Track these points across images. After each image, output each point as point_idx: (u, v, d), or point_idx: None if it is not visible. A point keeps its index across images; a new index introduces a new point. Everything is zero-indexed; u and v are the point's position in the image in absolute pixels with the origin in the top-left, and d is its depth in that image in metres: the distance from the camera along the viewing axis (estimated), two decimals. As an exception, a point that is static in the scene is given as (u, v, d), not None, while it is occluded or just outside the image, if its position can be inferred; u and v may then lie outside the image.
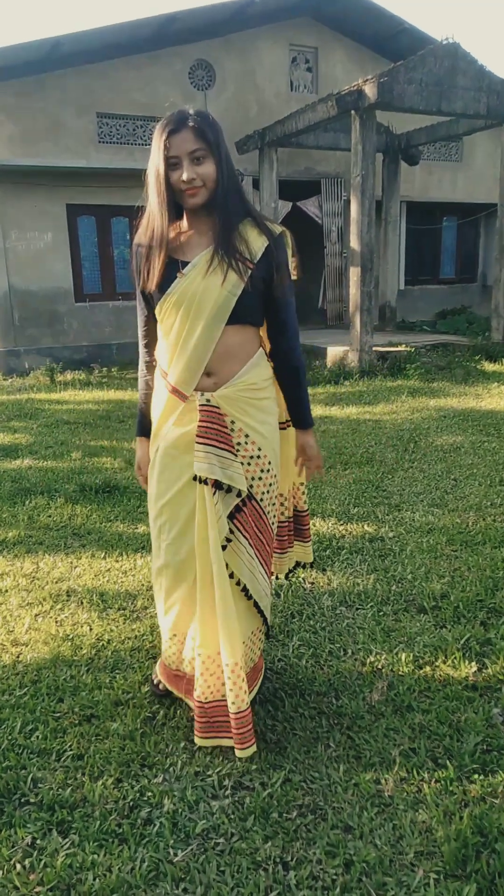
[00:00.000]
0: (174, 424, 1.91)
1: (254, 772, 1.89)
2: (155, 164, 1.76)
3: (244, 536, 1.92)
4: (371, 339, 8.84)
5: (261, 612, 2.02)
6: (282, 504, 2.20)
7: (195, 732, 1.97)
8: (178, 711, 2.15)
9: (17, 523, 3.84)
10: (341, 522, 3.72)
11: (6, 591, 3.02)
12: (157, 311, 1.88)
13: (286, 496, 2.22)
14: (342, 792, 1.81)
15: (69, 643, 2.56)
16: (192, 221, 1.87)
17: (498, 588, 2.89)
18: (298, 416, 2.06)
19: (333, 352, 9.27)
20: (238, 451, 1.87)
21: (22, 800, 1.81)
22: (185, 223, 1.88)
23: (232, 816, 1.73)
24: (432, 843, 1.64)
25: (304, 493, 2.25)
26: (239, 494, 1.87)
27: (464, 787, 1.82)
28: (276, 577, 2.35)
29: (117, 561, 3.31)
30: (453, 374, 8.49)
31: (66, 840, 1.67)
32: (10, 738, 2.03)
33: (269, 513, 2.00)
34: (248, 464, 1.90)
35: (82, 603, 2.88)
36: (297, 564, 2.37)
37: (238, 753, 1.89)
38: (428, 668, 2.35)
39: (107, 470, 4.83)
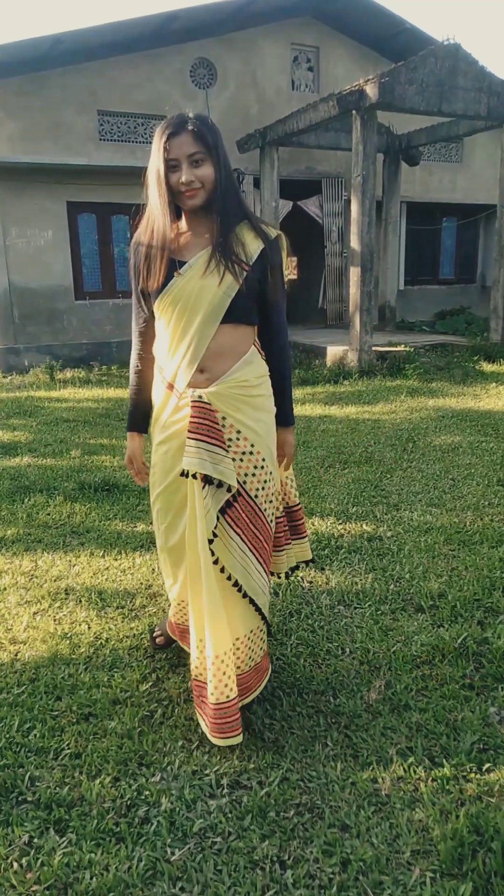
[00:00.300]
0: (168, 418, 1.98)
1: (251, 771, 1.89)
2: (155, 166, 1.80)
3: (236, 532, 1.94)
4: (370, 338, 8.85)
5: (258, 609, 2.03)
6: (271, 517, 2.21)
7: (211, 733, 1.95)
8: (177, 710, 2.15)
9: (15, 521, 3.84)
10: (340, 521, 3.72)
11: (4, 588, 3.02)
12: (154, 308, 1.93)
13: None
14: (339, 791, 1.81)
15: (67, 641, 2.56)
16: (190, 222, 1.91)
17: (495, 587, 2.89)
18: (283, 413, 2.11)
19: (333, 351, 9.27)
20: (230, 446, 1.90)
21: (19, 798, 1.81)
22: (183, 224, 1.92)
23: (229, 815, 1.74)
24: (429, 842, 1.65)
25: (292, 486, 2.28)
26: (229, 489, 1.89)
27: (460, 786, 1.82)
28: (277, 576, 2.36)
29: (116, 559, 3.32)
30: (452, 374, 8.50)
31: (64, 839, 1.67)
32: (7, 736, 2.03)
33: (265, 510, 2.01)
34: (241, 460, 1.93)
35: (81, 601, 2.88)
36: (298, 565, 2.38)
37: (214, 741, 1.92)
38: (425, 667, 2.35)
39: (106, 468, 4.84)
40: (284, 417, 2.12)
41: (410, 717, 2.10)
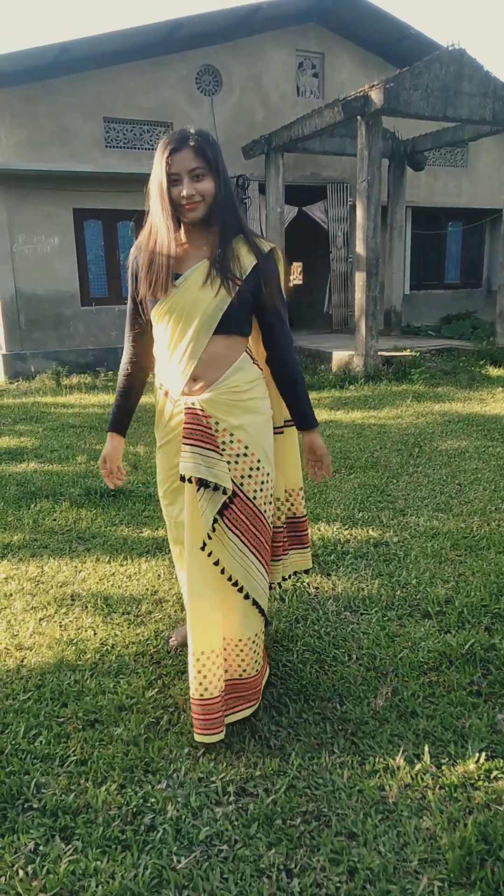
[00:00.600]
0: (167, 423, 2.07)
1: (257, 778, 1.88)
2: (158, 180, 1.87)
3: (235, 533, 1.97)
4: (376, 343, 8.84)
5: (261, 611, 2.05)
6: (277, 509, 2.25)
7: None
8: (182, 717, 2.14)
9: (22, 527, 3.84)
10: (346, 527, 3.71)
11: (11, 594, 3.02)
12: (152, 315, 1.99)
13: (281, 500, 2.29)
14: (346, 798, 1.80)
15: (73, 648, 2.56)
16: (189, 234, 1.97)
17: (503, 593, 2.88)
18: (300, 418, 2.15)
19: (339, 356, 9.27)
20: (224, 450, 1.95)
21: (25, 805, 1.80)
22: (182, 235, 1.98)
23: (235, 823, 1.73)
24: (436, 851, 1.63)
25: (302, 497, 2.33)
26: (225, 492, 1.93)
27: (468, 794, 1.81)
28: (278, 583, 2.40)
29: (122, 565, 3.31)
30: (458, 378, 8.48)
31: (69, 846, 1.67)
32: (13, 742, 2.03)
33: (264, 511, 2.05)
34: (236, 462, 1.97)
35: (87, 607, 2.88)
36: (295, 573, 2.45)
37: (196, 737, 1.96)
38: (432, 674, 2.34)
39: (112, 474, 4.83)
40: (303, 421, 2.15)
41: (417, 723, 2.08)
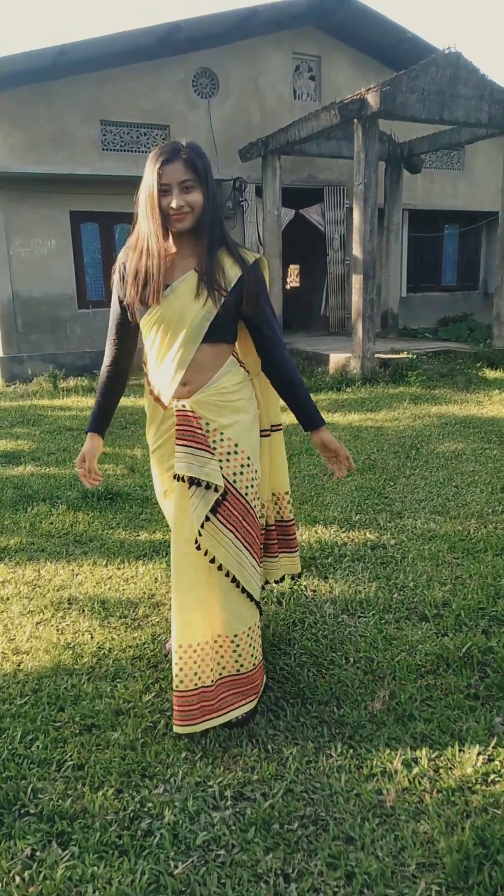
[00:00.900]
0: (159, 428, 2.14)
1: (255, 782, 1.88)
2: (148, 190, 1.91)
3: (229, 529, 2.04)
4: (373, 346, 8.85)
5: (256, 603, 2.12)
6: (259, 513, 2.31)
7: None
8: (179, 721, 2.14)
9: (18, 530, 3.84)
10: (343, 530, 3.71)
11: (8, 598, 3.02)
12: (141, 324, 2.05)
13: (267, 504, 2.38)
14: (344, 802, 1.80)
15: (70, 651, 2.55)
16: (176, 244, 2.01)
17: (500, 596, 2.88)
18: (305, 418, 2.17)
19: (336, 359, 9.27)
20: (215, 448, 2.03)
21: (22, 811, 1.80)
22: (170, 245, 2.01)
23: (233, 828, 1.72)
24: (434, 855, 1.63)
25: (289, 501, 2.41)
26: (217, 490, 2.00)
27: (466, 798, 1.81)
28: (276, 582, 2.50)
29: (119, 568, 3.31)
30: (455, 381, 8.49)
31: (66, 852, 1.66)
32: (10, 747, 2.03)
33: (255, 507, 2.13)
34: (227, 460, 2.04)
35: (84, 611, 2.88)
36: (285, 577, 2.53)
37: (175, 729, 2.02)
38: (430, 677, 2.34)
39: (109, 477, 4.84)
40: (309, 422, 2.16)
41: (415, 727, 2.08)
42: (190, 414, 2.01)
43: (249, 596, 2.09)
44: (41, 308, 10.19)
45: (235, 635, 2.07)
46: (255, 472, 2.12)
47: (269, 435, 2.30)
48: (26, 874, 1.60)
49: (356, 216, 8.51)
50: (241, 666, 2.10)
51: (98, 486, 2.35)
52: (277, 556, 2.45)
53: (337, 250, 12.08)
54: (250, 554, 2.09)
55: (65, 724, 2.13)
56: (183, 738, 2.06)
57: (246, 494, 2.07)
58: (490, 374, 8.86)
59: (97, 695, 2.28)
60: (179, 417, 2.01)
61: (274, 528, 2.42)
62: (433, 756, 1.96)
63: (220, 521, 2.02)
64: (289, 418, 2.47)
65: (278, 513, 2.41)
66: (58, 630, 2.72)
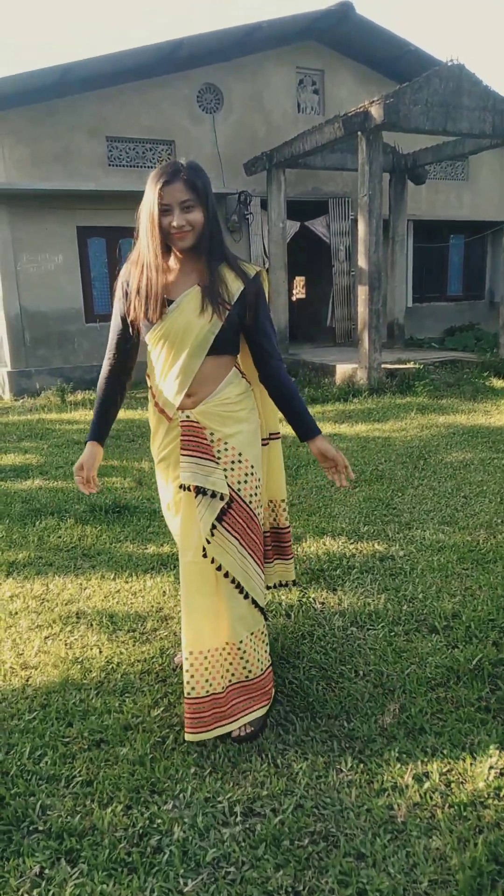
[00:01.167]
0: (163, 440, 2.17)
1: (265, 798, 1.86)
2: (149, 210, 1.95)
3: (234, 536, 2.07)
4: (380, 356, 8.85)
5: (260, 609, 2.15)
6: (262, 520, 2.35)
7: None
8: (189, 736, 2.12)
9: (27, 544, 3.84)
10: (351, 541, 3.70)
11: (16, 613, 3.02)
12: (147, 339, 2.09)
13: (265, 510, 2.42)
14: (354, 818, 1.78)
15: (79, 666, 2.55)
16: (178, 261, 2.06)
17: (511, 608, 2.85)
18: (302, 428, 2.18)
19: (342, 369, 9.28)
20: (219, 458, 2.06)
21: (30, 828, 1.79)
22: (172, 261, 2.07)
23: (243, 844, 1.71)
24: (447, 871, 1.61)
25: (284, 509, 2.46)
26: (222, 498, 2.03)
27: (478, 813, 1.78)
28: (286, 586, 2.58)
29: (127, 582, 3.31)
30: (462, 390, 8.47)
31: (75, 869, 1.65)
32: (19, 763, 2.02)
33: (259, 514, 2.17)
34: (232, 469, 2.08)
35: (92, 625, 2.87)
36: (280, 584, 2.58)
37: (187, 736, 2.04)
38: (440, 690, 2.32)
39: (116, 490, 4.84)
40: (304, 431, 2.17)
41: (426, 741, 2.06)
42: (195, 424, 2.05)
43: (254, 602, 2.12)
44: (49, 323, 10.26)
45: (241, 641, 2.10)
46: (258, 480, 2.16)
47: (267, 444, 2.34)
48: (35, 893, 1.59)
49: (361, 227, 8.54)
50: (250, 672, 2.13)
51: (95, 492, 2.36)
52: (272, 562, 2.50)
53: (342, 261, 12.12)
54: (254, 560, 2.13)
55: (73, 740, 2.12)
56: (192, 753, 2.05)
57: (250, 503, 2.11)
58: (497, 383, 8.84)
59: (106, 710, 2.27)
60: (184, 428, 2.05)
61: (269, 534, 2.46)
62: (444, 770, 1.94)
63: (225, 528, 2.05)
64: (288, 429, 2.47)
65: (274, 520, 2.46)
66: (66, 644, 2.72)
